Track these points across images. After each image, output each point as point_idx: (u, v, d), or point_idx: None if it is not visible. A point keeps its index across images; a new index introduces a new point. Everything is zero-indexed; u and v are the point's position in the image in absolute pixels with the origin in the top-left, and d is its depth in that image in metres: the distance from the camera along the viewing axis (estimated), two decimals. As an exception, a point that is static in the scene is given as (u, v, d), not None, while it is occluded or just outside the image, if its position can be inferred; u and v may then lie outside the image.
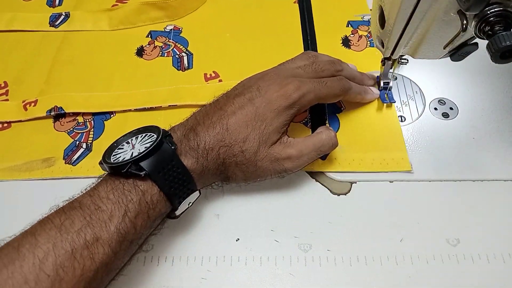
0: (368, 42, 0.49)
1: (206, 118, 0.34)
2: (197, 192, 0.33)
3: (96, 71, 0.49)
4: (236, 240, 0.36)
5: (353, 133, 0.41)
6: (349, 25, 0.51)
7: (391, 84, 0.44)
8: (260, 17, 0.54)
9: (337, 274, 0.34)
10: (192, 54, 0.50)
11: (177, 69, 0.49)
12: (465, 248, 0.35)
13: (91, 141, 0.43)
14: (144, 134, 0.33)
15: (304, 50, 0.48)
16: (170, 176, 0.30)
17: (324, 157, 0.39)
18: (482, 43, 0.28)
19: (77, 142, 0.43)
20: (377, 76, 0.45)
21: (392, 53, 0.37)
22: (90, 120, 0.45)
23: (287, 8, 0.54)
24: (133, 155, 0.30)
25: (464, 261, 0.34)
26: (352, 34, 0.50)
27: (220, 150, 0.33)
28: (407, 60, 0.40)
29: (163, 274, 0.34)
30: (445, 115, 0.43)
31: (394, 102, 0.43)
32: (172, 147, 0.31)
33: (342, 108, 0.43)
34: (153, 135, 0.32)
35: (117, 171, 0.30)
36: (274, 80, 0.35)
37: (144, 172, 0.30)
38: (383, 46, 0.38)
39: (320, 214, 0.37)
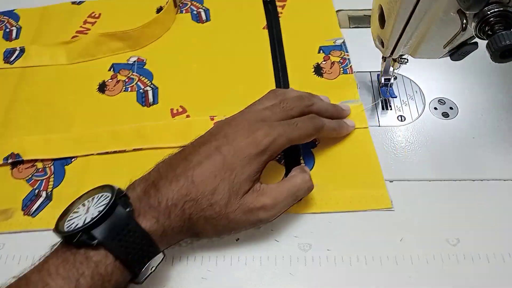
0: (341, 69, 0.47)
1: (170, 171, 0.31)
2: (161, 254, 0.30)
3: (56, 109, 0.46)
4: (236, 240, 0.36)
5: (329, 169, 0.39)
6: (321, 51, 0.49)
7: (391, 80, 0.44)
8: (228, 45, 0.51)
9: (337, 274, 0.34)
10: (158, 88, 0.47)
11: (142, 105, 0.45)
12: (465, 248, 0.35)
13: (51, 189, 0.40)
14: (100, 195, 0.30)
15: (275, 80, 0.46)
16: (126, 242, 0.27)
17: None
18: (482, 42, 0.28)
19: (37, 191, 0.40)
20: (377, 74, 0.45)
21: (392, 53, 0.37)
22: (49, 165, 0.41)
23: (256, 34, 0.51)
24: (86, 222, 0.27)
25: (464, 261, 0.34)
26: (324, 60, 0.48)
27: (185, 206, 0.30)
28: (407, 60, 0.40)
29: (163, 274, 0.34)
30: (445, 115, 0.43)
31: (395, 97, 0.43)
32: (128, 209, 0.28)
33: (316, 143, 0.41)
34: (108, 196, 0.29)
35: (69, 241, 0.27)
36: (241, 126, 0.33)
37: (95, 241, 0.27)
38: (383, 46, 0.38)
39: (320, 214, 0.37)
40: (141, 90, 0.47)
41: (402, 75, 0.46)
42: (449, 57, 0.34)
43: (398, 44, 0.36)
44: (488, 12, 0.26)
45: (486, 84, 0.45)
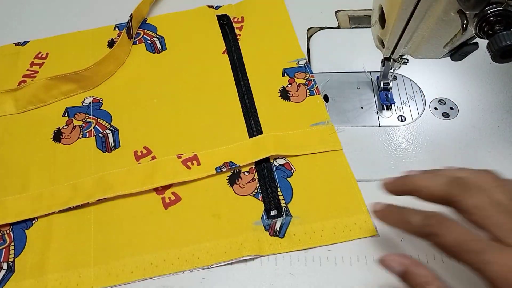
0: (308, 91, 0.45)
1: None
2: None
3: (8, 166, 0.42)
4: (236, 240, 0.36)
5: (308, 198, 0.38)
6: (285, 74, 0.46)
7: (391, 84, 0.44)
8: (188, 74, 0.48)
9: (337, 274, 0.34)
10: (118, 129, 0.43)
11: (102, 151, 0.42)
12: (465, 248, 0.34)
13: (12, 259, 0.36)
14: None
15: (242, 107, 0.44)
16: None
17: (282, 235, 0.36)
18: (482, 42, 0.28)
19: None
20: (377, 76, 0.45)
21: (392, 53, 0.37)
22: (8, 231, 0.37)
23: (216, 59, 0.48)
24: None
25: (464, 261, 0.34)
26: (289, 84, 0.46)
27: None
28: (407, 60, 0.40)
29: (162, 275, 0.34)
30: (445, 115, 0.43)
31: (394, 103, 0.43)
32: None
33: (292, 171, 0.39)
34: None
35: None
36: None
37: None
38: (383, 46, 0.38)
39: (320, 214, 0.37)
40: (100, 134, 0.43)
41: (402, 75, 0.46)
42: (449, 57, 0.35)
43: (399, 44, 0.36)
44: (489, 12, 0.26)
45: (487, 84, 0.45)
